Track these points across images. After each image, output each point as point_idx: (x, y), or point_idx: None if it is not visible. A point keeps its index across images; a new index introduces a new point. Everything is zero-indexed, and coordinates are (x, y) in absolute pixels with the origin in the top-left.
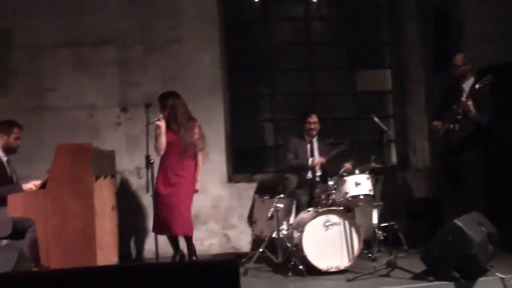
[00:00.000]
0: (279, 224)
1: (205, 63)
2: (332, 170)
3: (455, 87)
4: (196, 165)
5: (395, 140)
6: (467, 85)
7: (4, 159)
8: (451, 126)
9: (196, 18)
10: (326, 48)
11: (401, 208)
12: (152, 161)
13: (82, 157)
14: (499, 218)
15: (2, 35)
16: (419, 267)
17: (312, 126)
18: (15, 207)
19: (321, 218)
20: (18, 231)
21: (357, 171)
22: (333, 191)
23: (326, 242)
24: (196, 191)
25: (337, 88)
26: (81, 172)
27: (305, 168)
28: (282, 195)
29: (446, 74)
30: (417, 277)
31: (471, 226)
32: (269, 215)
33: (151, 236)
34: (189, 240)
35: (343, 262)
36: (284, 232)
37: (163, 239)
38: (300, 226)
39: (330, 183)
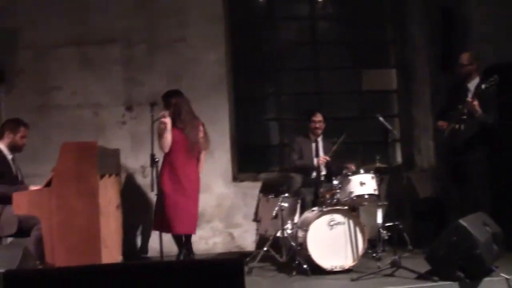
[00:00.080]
0: (283, 223)
1: (210, 62)
2: (336, 170)
3: (460, 87)
4: (198, 164)
5: (400, 140)
6: (472, 85)
7: (9, 157)
8: (457, 126)
9: (201, 17)
10: (331, 48)
11: (406, 208)
12: (157, 159)
13: (87, 156)
14: (504, 218)
15: (8, 34)
16: (423, 267)
17: (317, 125)
18: (20, 205)
19: (326, 218)
20: (23, 229)
21: (362, 171)
22: (338, 191)
23: (330, 241)
24: None
25: (342, 87)
26: (86, 170)
27: (310, 168)
28: (286, 194)
29: (451, 74)
30: (422, 277)
31: (476, 226)
32: (274, 214)
33: (155, 235)
34: (189, 238)
35: (347, 261)
36: (289, 231)
37: (167, 238)
38: (305, 225)
39: (335, 182)
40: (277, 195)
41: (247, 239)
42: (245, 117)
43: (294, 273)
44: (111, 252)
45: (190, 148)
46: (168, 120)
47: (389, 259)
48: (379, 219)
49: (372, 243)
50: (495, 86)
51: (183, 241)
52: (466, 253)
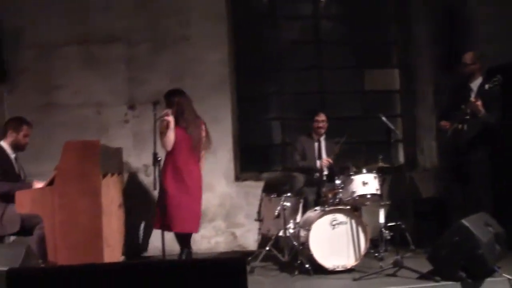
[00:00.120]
0: (286, 222)
1: (213, 61)
2: (338, 170)
3: (463, 87)
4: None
5: (403, 140)
6: (475, 85)
7: (12, 156)
8: (460, 126)
9: (204, 16)
10: (334, 47)
11: (408, 207)
12: (159, 158)
13: (89, 154)
14: (507, 219)
15: (11, 33)
16: (425, 267)
17: (320, 125)
18: (23, 203)
19: (328, 217)
20: (26, 228)
21: (364, 170)
22: (340, 190)
23: (332, 241)
24: None
25: (345, 87)
26: (88, 169)
27: (313, 170)
28: (289, 194)
29: (454, 74)
30: (424, 277)
31: (478, 226)
32: (276, 213)
33: (157, 234)
34: (189, 236)
35: (349, 261)
36: (291, 230)
37: (169, 236)
38: (307, 225)
39: (337, 182)
40: (279, 195)
41: (249, 239)
42: (247, 116)
43: (296, 273)
44: (113, 251)
45: (193, 146)
46: (171, 118)
47: (391, 259)
48: (382, 219)
49: (374, 243)
50: (498, 86)
51: (187, 238)
52: (468, 253)
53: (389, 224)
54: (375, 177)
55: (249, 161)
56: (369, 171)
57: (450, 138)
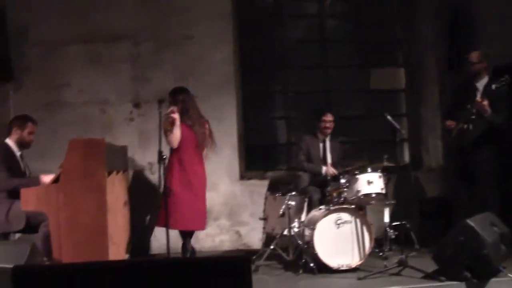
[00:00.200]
0: (290, 221)
1: (217, 59)
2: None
3: (468, 86)
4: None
5: (408, 139)
6: (481, 84)
7: (18, 153)
8: (465, 126)
9: (209, 15)
10: (339, 46)
11: (413, 207)
12: (164, 156)
13: (94, 152)
14: None
15: (17, 32)
16: (430, 266)
17: (328, 125)
18: (28, 201)
19: (333, 216)
20: (31, 225)
21: (369, 170)
22: (345, 189)
23: (337, 240)
24: None
25: (350, 86)
26: (93, 167)
27: (318, 175)
28: (294, 193)
29: (459, 73)
30: (428, 276)
31: (484, 226)
32: (281, 212)
33: (162, 231)
34: (192, 235)
35: (354, 260)
36: (296, 229)
37: (174, 234)
38: (312, 224)
39: (342, 181)
40: (284, 194)
41: (254, 237)
42: (252, 115)
43: (300, 272)
44: (118, 248)
45: (198, 144)
46: (177, 116)
47: (396, 258)
48: (386, 218)
49: (379, 242)
50: (506, 86)
51: (189, 237)
52: (474, 253)
53: (394, 224)
54: (380, 176)
55: (253, 160)
56: (374, 170)
57: (456, 137)
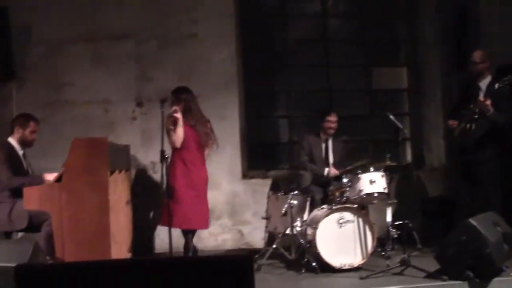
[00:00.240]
0: (293, 220)
1: (221, 58)
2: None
3: (471, 85)
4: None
5: (411, 138)
6: (484, 84)
7: (20, 152)
8: (467, 125)
9: (212, 14)
10: (342, 45)
11: (416, 206)
12: (167, 155)
13: (97, 151)
14: None
15: (20, 30)
16: (432, 266)
17: (332, 125)
18: (31, 200)
19: (335, 215)
20: (34, 224)
21: (372, 169)
22: (348, 189)
23: (339, 239)
24: None
25: (353, 85)
26: (96, 166)
27: (320, 176)
28: (296, 192)
29: (462, 73)
30: (431, 276)
31: (486, 225)
32: (283, 211)
33: (164, 230)
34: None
35: (356, 259)
36: (298, 228)
37: (177, 233)
38: (314, 223)
39: (345, 180)
40: (286, 193)
41: (256, 236)
42: (255, 114)
43: (303, 271)
44: (120, 247)
45: (201, 144)
46: (180, 115)
47: (398, 257)
48: (389, 218)
49: (381, 242)
50: (509, 85)
51: (191, 236)
52: (476, 253)
53: (396, 223)
54: (382, 176)
55: (256, 159)
56: (376, 170)
57: (458, 137)
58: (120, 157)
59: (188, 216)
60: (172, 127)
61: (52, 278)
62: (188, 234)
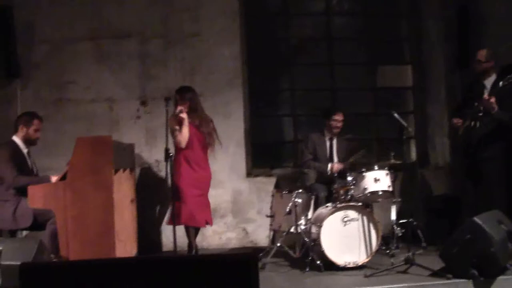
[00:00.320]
0: (297, 219)
1: (225, 57)
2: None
3: (476, 84)
4: None
5: (415, 137)
6: (488, 82)
7: (25, 150)
8: (472, 123)
9: (216, 12)
10: (346, 44)
11: (420, 205)
12: (171, 154)
13: (102, 150)
14: None
15: (24, 29)
16: (437, 264)
17: (338, 124)
18: (35, 198)
19: (340, 214)
20: (39, 222)
21: (376, 167)
22: (352, 187)
23: (344, 237)
24: None
25: (357, 83)
26: (100, 164)
27: (324, 174)
28: (300, 190)
29: (467, 71)
30: (435, 274)
31: (491, 224)
32: (288, 209)
33: (169, 229)
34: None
35: (361, 258)
36: (302, 227)
37: (181, 232)
38: (319, 221)
39: (349, 178)
40: (291, 191)
41: (260, 235)
42: (259, 112)
43: (307, 269)
44: (125, 245)
45: (205, 143)
46: (186, 115)
47: (402, 256)
48: (393, 216)
49: (385, 240)
50: None
51: (194, 233)
52: (481, 251)
53: (401, 221)
54: (387, 174)
55: (260, 157)
56: (381, 168)
57: (462, 135)
58: (124, 156)
59: (193, 214)
60: (177, 127)
61: (56, 277)
62: (192, 233)
